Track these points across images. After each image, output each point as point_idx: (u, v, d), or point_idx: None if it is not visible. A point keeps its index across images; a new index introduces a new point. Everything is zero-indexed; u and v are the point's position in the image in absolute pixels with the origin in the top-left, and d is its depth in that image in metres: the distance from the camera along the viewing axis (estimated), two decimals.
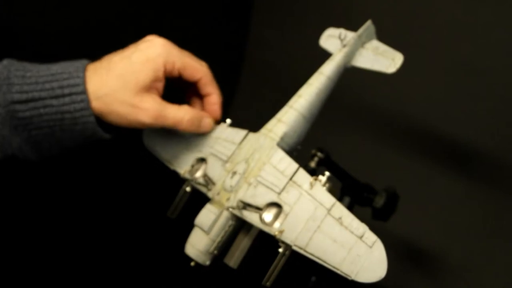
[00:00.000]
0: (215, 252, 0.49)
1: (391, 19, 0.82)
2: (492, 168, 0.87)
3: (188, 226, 0.50)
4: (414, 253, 0.90)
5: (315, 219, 0.45)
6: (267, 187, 0.48)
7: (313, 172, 0.54)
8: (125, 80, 0.47)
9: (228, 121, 0.56)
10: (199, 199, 0.52)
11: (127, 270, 0.75)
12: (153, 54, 0.48)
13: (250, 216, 0.48)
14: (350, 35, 0.59)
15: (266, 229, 0.47)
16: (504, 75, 0.83)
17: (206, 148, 0.54)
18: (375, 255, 0.43)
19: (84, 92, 0.46)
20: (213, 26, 0.98)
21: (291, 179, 0.47)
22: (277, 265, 0.46)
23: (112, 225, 0.77)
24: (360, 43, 0.60)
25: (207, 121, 0.53)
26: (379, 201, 0.65)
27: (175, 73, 0.50)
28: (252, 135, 0.53)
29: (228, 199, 0.49)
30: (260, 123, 0.54)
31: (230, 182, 0.50)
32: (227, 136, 0.54)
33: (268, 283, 0.47)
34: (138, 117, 0.48)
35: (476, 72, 0.85)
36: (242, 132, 0.53)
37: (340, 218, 0.45)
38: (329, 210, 0.45)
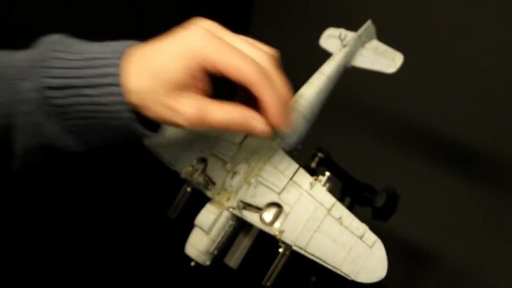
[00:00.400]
0: (215, 252, 0.49)
1: (391, 19, 0.82)
2: (492, 168, 0.88)
3: (188, 226, 0.50)
4: (414, 253, 0.90)
5: (315, 219, 0.45)
6: (267, 187, 0.48)
7: (313, 172, 0.54)
8: (157, 76, 0.40)
9: None
10: (199, 199, 0.52)
11: (127, 270, 0.75)
12: (187, 48, 0.40)
13: (250, 216, 0.48)
14: (350, 35, 0.59)
15: (266, 229, 0.47)
16: (504, 75, 0.83)
17: (207, 148, 0.54)
18: (375, 255, 0.43)
19: (119, 84, 0.40)
20: None
21: (291, 179, 0.47)
22: (277, 265, 0.46)
23: (112, 225, 0.77)
24: (360, 43, 0.60)
25: (259, 126, 0.42)
26: (379, 201, 0.65)
27: (216, 72, 0.41)
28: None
29: (228, 199, 0.49)
30: None
31: (230, 182, 0.50)
32: (227, 136, 0.54)
33: (268, 283, 0.47)
34: (174, 119, 0.41)
35: (476, 72, 0.85)
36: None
37: (340, 218, 0.45)
38: (329, 210, 0.45)
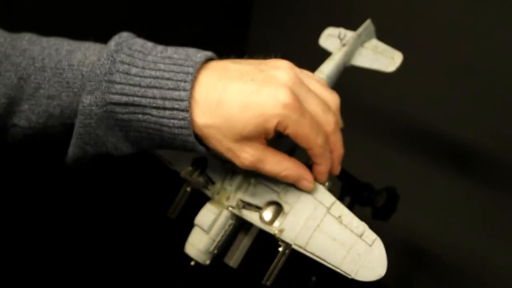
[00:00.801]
0: (215, 251, 0.49)
1: (391, 19, 0.82)
2: (492, 168, 0.88)
3: (188, 226, 0.50)
4: (414, 253, 0.90)
5: (315, 218, 0.45)
6: (267, 186, 0.48)
7: None
8: (229, 123, 0.40)
9: None
10: (199, 199, 0.52)
11: (127, 270, 0.75)
12: (269, 112, 0.40)
13: (250, 215, 0.48)
14: (349, 35, 0.59)
15: (266, 228, 0.47)
16: (504, 75, 0.83)
17: None
18: (375, 254, 0.43)
19: (188, 109, 0.40)
20: (213, 26, 0.98)
21: None
22: (277, 264, 0.46)
23: (112, 225, 0.77)
24: (359, 42, 0.60)
25: (305, 184, 0.45)
26: (380, 201, 0.65)
27: (285, 134, 0.43)
28: None
29: (228, 198, 0.49)
30: None
31: (230, 181, 0.50)
32: None
33: (268, 283, 0.46)
34: (232, 159, 0.43)
35: (476, 72, 0.85)
36: None
37: (339, 217, 0.45)
38: (328, 209, 0.45)
